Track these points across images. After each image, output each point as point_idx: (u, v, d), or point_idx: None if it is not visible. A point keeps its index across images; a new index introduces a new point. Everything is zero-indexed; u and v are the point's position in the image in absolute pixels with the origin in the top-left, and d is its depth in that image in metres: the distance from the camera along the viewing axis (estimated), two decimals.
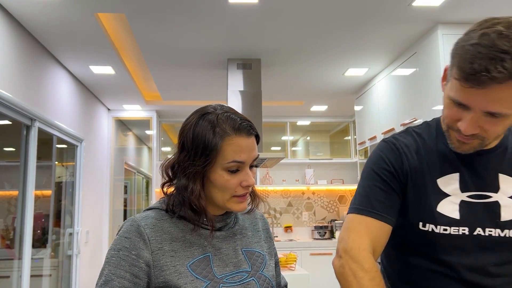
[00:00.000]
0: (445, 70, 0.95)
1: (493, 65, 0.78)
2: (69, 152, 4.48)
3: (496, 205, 0.95)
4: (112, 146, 5.61)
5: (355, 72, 4.29)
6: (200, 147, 0.94)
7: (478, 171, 0.98)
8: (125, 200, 6.55)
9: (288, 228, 6.21)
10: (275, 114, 6.18)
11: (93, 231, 4.87)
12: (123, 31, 3.55)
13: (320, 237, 5.90)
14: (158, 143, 6.10)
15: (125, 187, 6.58)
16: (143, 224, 0.94)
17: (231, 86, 3.91)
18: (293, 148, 6.70)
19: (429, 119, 1.10)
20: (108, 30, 3.40)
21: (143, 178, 7.50)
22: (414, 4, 2.89)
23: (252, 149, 0.97)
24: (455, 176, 0.98)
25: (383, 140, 1.06)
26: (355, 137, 6.05)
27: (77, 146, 4.44)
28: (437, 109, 3.17)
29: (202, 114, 0.99)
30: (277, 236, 6.11)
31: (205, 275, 0.93)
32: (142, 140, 7.53)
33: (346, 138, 6.71)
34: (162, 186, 1.02)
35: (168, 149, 6.76)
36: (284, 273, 3.10)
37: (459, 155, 0.98)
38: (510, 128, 1.05)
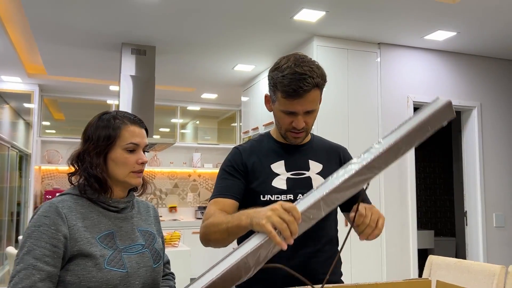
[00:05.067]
0: (266, 97, 1.44)
1: (302, 83, 1.28)
2: None
3: (309, 179, 1.43)
4: None
5: (243, 68, 4.69)
6: (102, 134, 1.24)
7: (296, 158, 1.47)
8: None
9: (172, 208, 6.46)
10: (167, 97, 6.33)
11: None
12: (9, 0, 3.40)
13: (203, 217, 6.25)
14: (39, 118, 5.82)
15: None
16: (61, 206, 1.17)
17: (124, 70, 3.99)
18: (182, 131, 6.92)
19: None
20: None
21: (17, 153, 7.02)
22: (295, 18, 3.35)
23: (144, 137, 1.30)
24: (282, 162, 1.45)
25: (233, 147, 1.52)
26: (241, 124, 6.51)
27: None
28: None
29: (102, 115, 1.30)
30: (161, 216, 6.32)
31: (110, 246, 1.20)
32: (19, 114, 7.02)
33: (233, 124, 7.14)
34: (69, 177, 1.25)
35: (48, 123, 6.46)
36: (168, 249, 3.38)
37: (284, 149, 1.47)
38: (315, 136, 1.59)
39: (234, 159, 1.46)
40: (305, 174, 1.44)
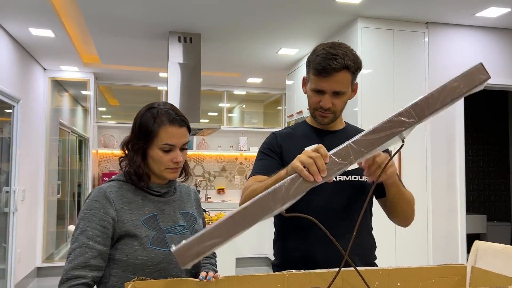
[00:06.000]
0: (303, 79, 1.53)
1: (332, 61, 1.37)
2: (5, 112, 4.49)
3: None
4: (48, 106, 5.61)
5: (287, 52, 4.69)
6: (143, 131, 1.32)
7: (331, 142, 1.46)
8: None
9: (221, 190, 6.66)
10: (213, 82, 6.47)
11: (29, 189, 4.98)
12: None
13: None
14: (96, 104, 6.17)
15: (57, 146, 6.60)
16: (109, 191, 1.30)
17: (172, 58, 4.14)
18: (229, 115, 7.06)
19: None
20: None
21: (76, 137, 7.50)
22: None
23: (182, 136, 1.34)
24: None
25: (271, 133, 1.62)
26: (285, 107, 6.53)
27: (14, 106, 4.46)
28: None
29: (149, 108, 1.36)
30: (210, 197, 6.55)
31: (153, 227, 1.30)
32: (77, 101, 7.47)
33: (278, 108, 7.18)
34: (120, 161, 1.36)
35: (103, 109, 6.84)
36: None
37: (319, 134, 1.54)
38: (350, 124, 1.62)
39: (270, 142, 1.57)
40: None
